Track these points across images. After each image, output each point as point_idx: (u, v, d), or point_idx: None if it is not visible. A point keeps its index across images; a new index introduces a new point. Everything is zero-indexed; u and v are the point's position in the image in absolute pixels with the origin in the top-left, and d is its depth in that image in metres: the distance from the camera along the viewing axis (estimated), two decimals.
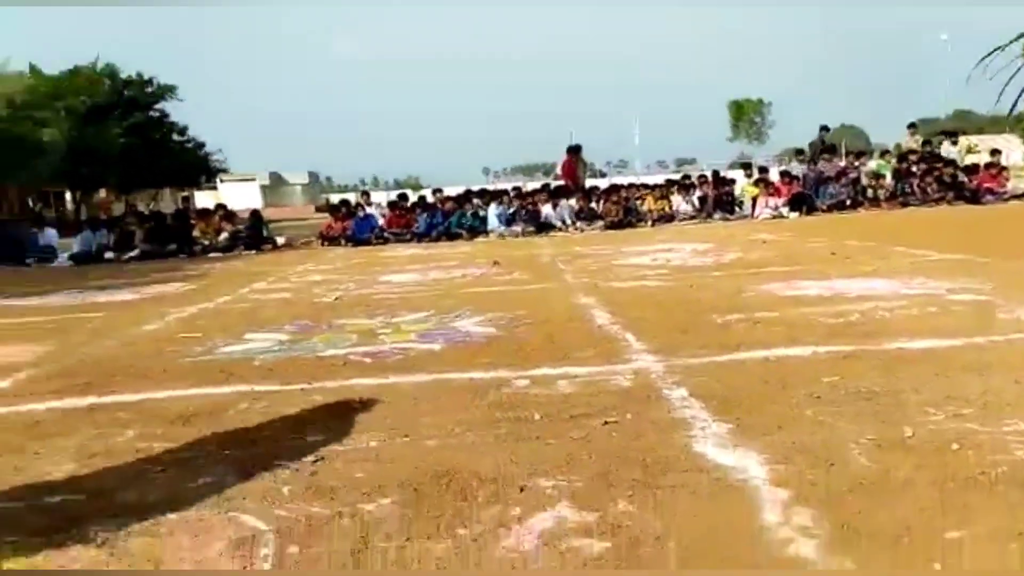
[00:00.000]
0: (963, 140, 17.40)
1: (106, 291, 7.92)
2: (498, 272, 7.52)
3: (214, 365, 3.73)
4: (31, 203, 31.67)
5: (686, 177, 15.92)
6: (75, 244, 13.85)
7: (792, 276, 5.72)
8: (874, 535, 1.60)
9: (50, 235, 14.29)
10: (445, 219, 13.81)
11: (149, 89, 33.61)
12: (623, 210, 14.04)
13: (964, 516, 1.66)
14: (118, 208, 30.48)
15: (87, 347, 4.48)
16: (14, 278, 10.50)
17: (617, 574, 1.52)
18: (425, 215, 13.96)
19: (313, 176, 75.24)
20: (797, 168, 15.99)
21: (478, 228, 13.71)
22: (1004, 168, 15.17)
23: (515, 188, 15.51)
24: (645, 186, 15.83)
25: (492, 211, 14.03)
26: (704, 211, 14.11)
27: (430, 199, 14.87)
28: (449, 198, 14.59)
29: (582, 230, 13.46)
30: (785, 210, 13.83)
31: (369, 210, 14.65)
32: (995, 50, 7.13)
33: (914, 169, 14.87)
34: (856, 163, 15.73)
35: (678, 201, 14.42)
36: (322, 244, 13.87)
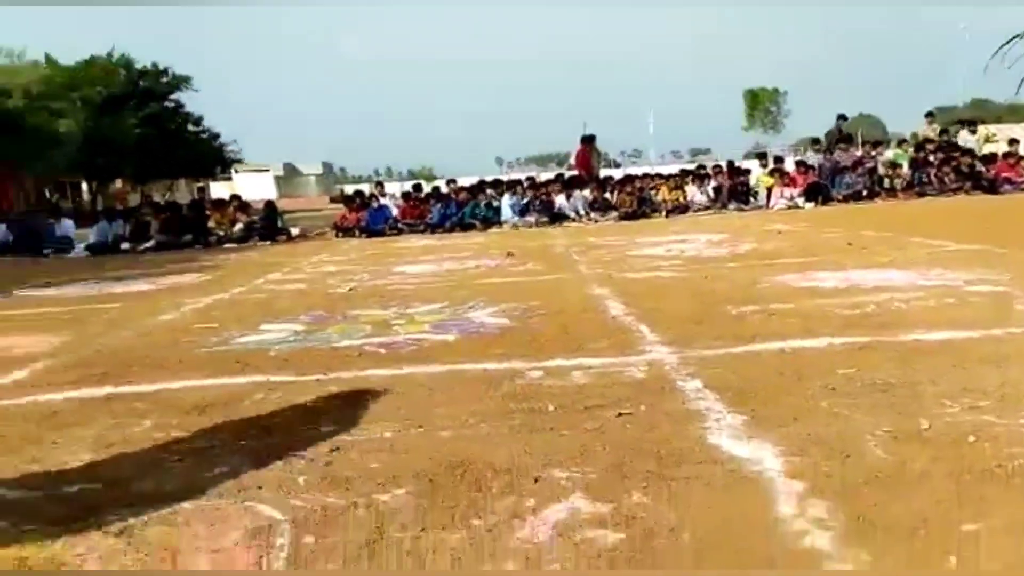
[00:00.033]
0: (981, 129, 17.16)
1: (122, 282, 7.98)
2: (512, 263, 7.52)
3: (230, 355, 3.75)
4: (48, 194, 31.93)
5: (701, 167, 15.82)
6: (91, 235, 13.96)
7: (808, 267, 5.68)
8: (890, 527, 1.59)
9: (67, 226, 14.39)
10: (459, 210, 13.78)
11: (164, 79, 33.81)
12: (637, 200, 13.96)
13: (981, 508, 1.65)
14: (134, 199, 30.77)
15: (104, 337, 4.52)
16: (32, 269, 10.60)
17: (628, 572, 1.52)
18: (439, 206, 13.94)
19: (327, 167, 75.58)
20: (813, 158, 15.87)
21: (492, 219, 13.70)
22: (1022, 158, 14.98)
23: (529, 178, 15.47)
24: (659, 176, 15.70)
25: (506, 202, 14.00)
26: (719, 201, 14.01)
27: (444, 190, 14.84)
28: (463, 189, 14.59)
29: (596, 220, 13.38)
30: (801, 200, 13.71)
31: (383, 201, 14.63)
32: (1014, 38, 7.06)
33: (931, 158, 14.72)
34: (873, 152, 15.55)
35: (693, 191, 14.32)
36: (336, 235, 13.87)
